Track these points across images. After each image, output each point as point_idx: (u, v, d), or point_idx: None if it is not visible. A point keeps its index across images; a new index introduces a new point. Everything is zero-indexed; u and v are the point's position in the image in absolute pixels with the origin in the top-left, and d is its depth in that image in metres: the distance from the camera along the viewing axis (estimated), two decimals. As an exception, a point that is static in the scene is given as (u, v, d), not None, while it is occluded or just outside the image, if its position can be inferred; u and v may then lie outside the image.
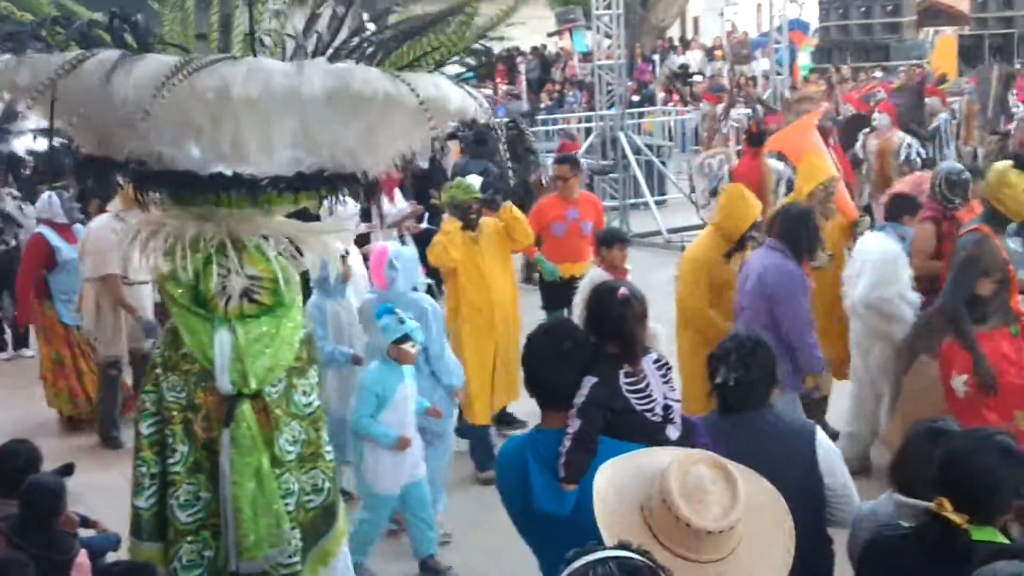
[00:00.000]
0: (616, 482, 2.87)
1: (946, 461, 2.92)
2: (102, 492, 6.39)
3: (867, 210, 9.87)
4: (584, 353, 3.51)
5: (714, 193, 11.09)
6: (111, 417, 7.83)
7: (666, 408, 3.53)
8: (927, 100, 14.25)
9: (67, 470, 5.04)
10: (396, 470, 5.58)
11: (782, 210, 6.20)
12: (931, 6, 26.52)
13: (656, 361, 3.61)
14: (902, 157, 11.05)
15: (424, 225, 10.15)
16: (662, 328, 6.69)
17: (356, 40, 3.86)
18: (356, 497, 5.98)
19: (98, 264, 7.49)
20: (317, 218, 5.14)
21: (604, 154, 15.23)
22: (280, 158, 3.92)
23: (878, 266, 6.44)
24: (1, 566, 4.03)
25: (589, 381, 3.45)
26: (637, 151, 15.42)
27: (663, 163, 16.78)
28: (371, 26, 4.01)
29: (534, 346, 3.55)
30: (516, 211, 7.21)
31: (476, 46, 4.07)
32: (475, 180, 9.54)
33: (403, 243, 9.60)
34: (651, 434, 3.43)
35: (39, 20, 3.85)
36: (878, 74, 21.03)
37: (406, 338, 5.51)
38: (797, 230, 5.92)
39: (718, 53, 27.34)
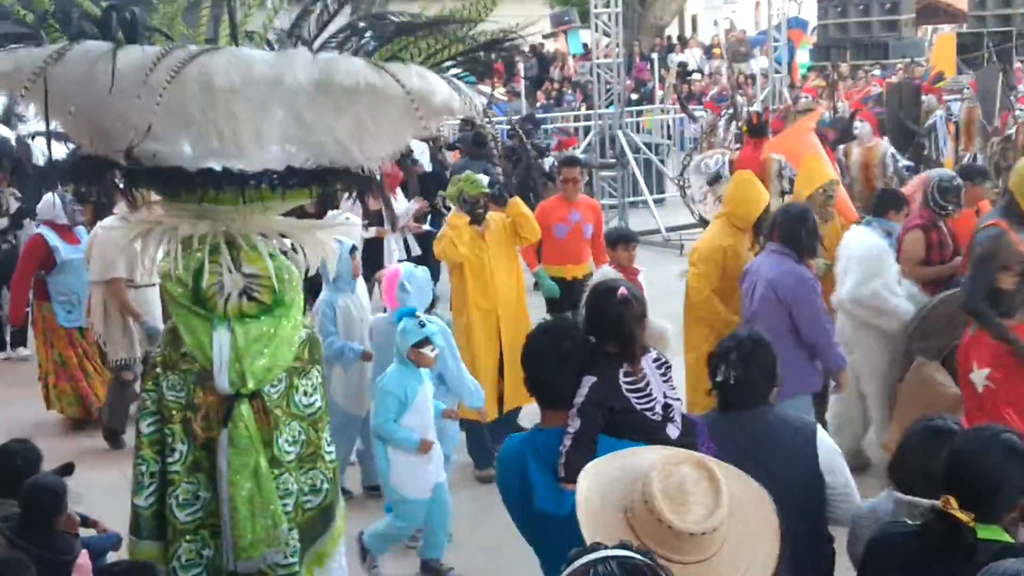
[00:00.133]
0: (600, 483, 2.87)
1: (952, 459, 2.91)
2: (102, 491, 6.38)
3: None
4: (583, 353, 3.51)
5: (712, 182, 11.06)
6: (120, 419, 7.80)
7: (666, 407, 3.53)
8: (923, 98, 14.25)
9: (67, 470, 5.05)
10: (424, 473, 5.57)
11: (780, 212, 6.17)
12: (929, 4, 26.50)
13: (656, 360, 3.61)
14: (890, 168, 11.04)
15: (426, 227, 10.16)
16: (671, 326, 6.72)
17: (344, 34, 3.85)
18: (380, 495, 5.94)
19: (104, 267, 7.44)
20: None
21: (603, 153, 15.24)
22: (271, 153, 3.90)
23: (863, 261, 6.46)
24: (1, 566, 4.03)
25: (588, 380, 3.45)
26: (636, 150, 15.43)
27: (662, 161, 16.79)
28: (361, 24, 3.99)
29: (533, 346, 3.55)
30: (523, 207, 7.21)
31: (479, 52, 4.08)
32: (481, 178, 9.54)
33: (406, 244, 9.64)
34: (651, 433, 3.43)
35: (40, 14, 3.84)
36: (876, 72, 21.02)
37: (426, 341, 5.50)
38: (797, 230, 5.92)
39: (716, 51, 27.35)
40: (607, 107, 15.41)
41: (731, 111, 14.32)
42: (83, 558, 4.51)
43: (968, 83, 15.09)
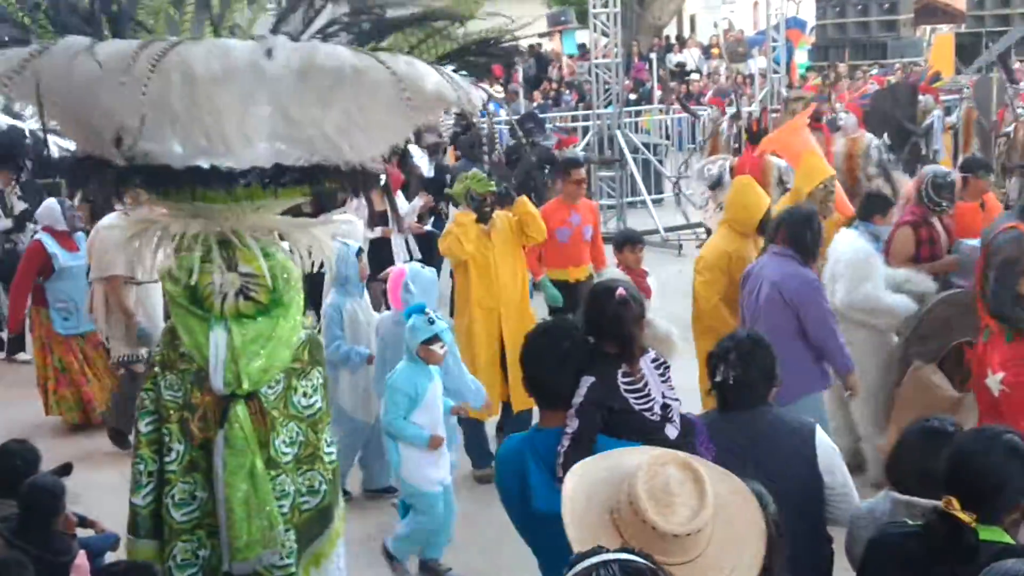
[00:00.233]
0: (586, 483, 2.88)
1: (954, 459, 2.91)
2: (101, 492, 6.39)
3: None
4: (582, 353, 3.51)
5: (713, 187, 11.07)
6: (126, 420, 7.77)
7: (665, 407, 3.53)
8: (920, 98, 14.26)
9: (65, 470, 5.05)
10: (435, 468, 5.58)
11: (785, 214, 6.13)
12: (928, 4, 26.53)
13: (654, 361, 3.62)
14: (873, 159, 11.06)
15: (428, 227, 10.16)
16: (675, 328, 6.72)
17: (330, 28, 3.82)
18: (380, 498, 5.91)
19: (103, 264, 7.38)
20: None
21: (601, 152, 15.25)
22: (260, 150, 3.85)
23: (851, 266, 6.46)
24: (1, 567, 4.04)
25: (587, 381, 3.45)
26: (634, 150, 15.44)
27: (660, 162, 16.80)
28: (347, 19, 3.96)
29: (532, 346, 3.55)
30: (530, 206, 7.20)
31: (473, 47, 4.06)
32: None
33: (407, 245, 9.62)
34: (650, 433, 3.43)
35: (30, 5, 3.84)
36: (875, 71, 21.04)
37: (435, 338, 5.49)
38: (803, 233, 5.88)
39: (715, 51, 27.35)
40: (605, 107, 15.42)
41: (735, 111, 14.33)
42: (81, 558, 4.51)
43: (967, 83, 15.10)
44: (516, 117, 14.56)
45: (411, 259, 9.01)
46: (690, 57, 27.20)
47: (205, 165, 3.81)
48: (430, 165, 11.64)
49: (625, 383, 3.50)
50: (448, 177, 10.58)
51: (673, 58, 26.84)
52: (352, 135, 3.89)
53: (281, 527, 4.17)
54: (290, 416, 4.28)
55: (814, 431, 3.71)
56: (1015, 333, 5.52)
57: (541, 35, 26.71)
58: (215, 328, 4.12)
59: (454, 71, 4.02)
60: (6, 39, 3.76)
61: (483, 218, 6.97)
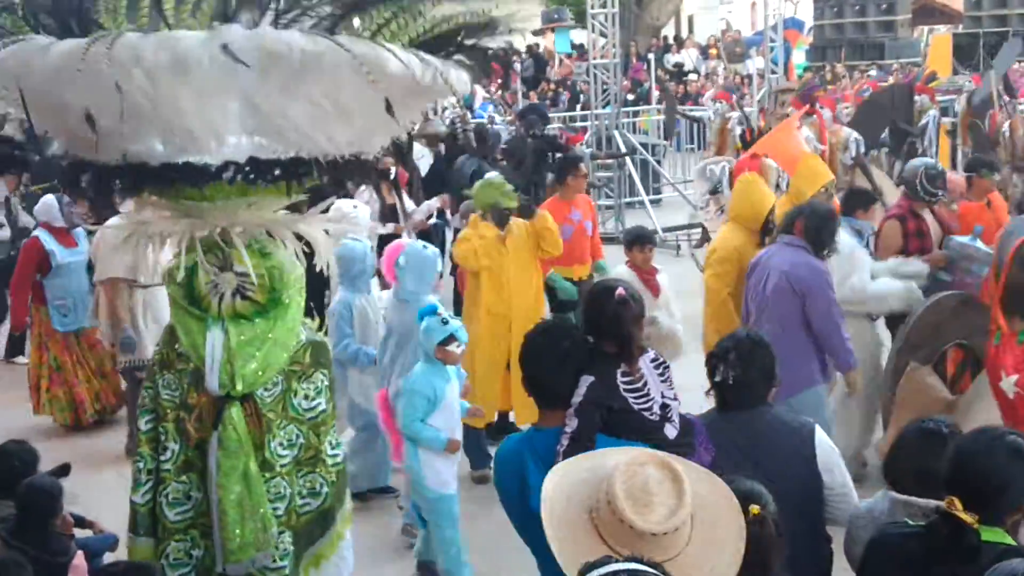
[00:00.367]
0: (567, 483, 2.90)
1: (956, 460, 2.91)
2: (99, 493, 6.39)
3: None
4: (581, 353, 3.51)
5: (713, 192, 11.08)
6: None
7: (664, 407, 3.53)
8: (917, 98, 14.28)
9: (64, 471, 5.04)
10: (451, 471, 5.51)
11: (806, 208, 6.12)
12: (925, 5, 26.57)
13: (654, 360, 3.61)
14: (852, 151, 11.08)
15: (433, 220, 10.16)
16: (681, 327, 6.72)
17: (293, 13, 3.77)
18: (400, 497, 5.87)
19: (103, 268, 7.29)
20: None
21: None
22: (234, 144, 3.84)
23: (836, 261, 6.46)
24: (0, 567, 4.03)
25: (586, 380, 3.45)
26: (632, 150, 15.43)
27: (658, 162, 16.79)
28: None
29: (531, 346, 3.55)
30: (551, 221, 7.09)
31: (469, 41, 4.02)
32: (494, 175, 9.46)
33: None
34: (649, 433, 3.43)
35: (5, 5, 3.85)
36: (872, 72, 21.06)
37: (451, 338, 5.40)
38: (822, 228, 5.88)
39: (712, 52, 27.37)
40: (603, 107, 15.42)
41: (741, 112, 14.34)
42: (79, 559, 4.50)
43: (971, 78, 15.10)
44: (519, 108, 14.58)
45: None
46: (688, 57, 27.22)
47: (179, 161, 3.79)
48: (429, 162, 11.65)
49: (624, 383, 3.49)
50: (451, 173, 10.55)
51: (671, 58, 26.86)
52: (327, 126, 3.84)
53: (275, 529, 4.16)
54: (289, 418, 4.27)
55: (813, 431, 3.70)
56: (1002, 336, 5.52)
57: (535, 32, 26.69)
58: (212, 328, 4.12)
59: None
60: None
61: (500, 224, 6.88)
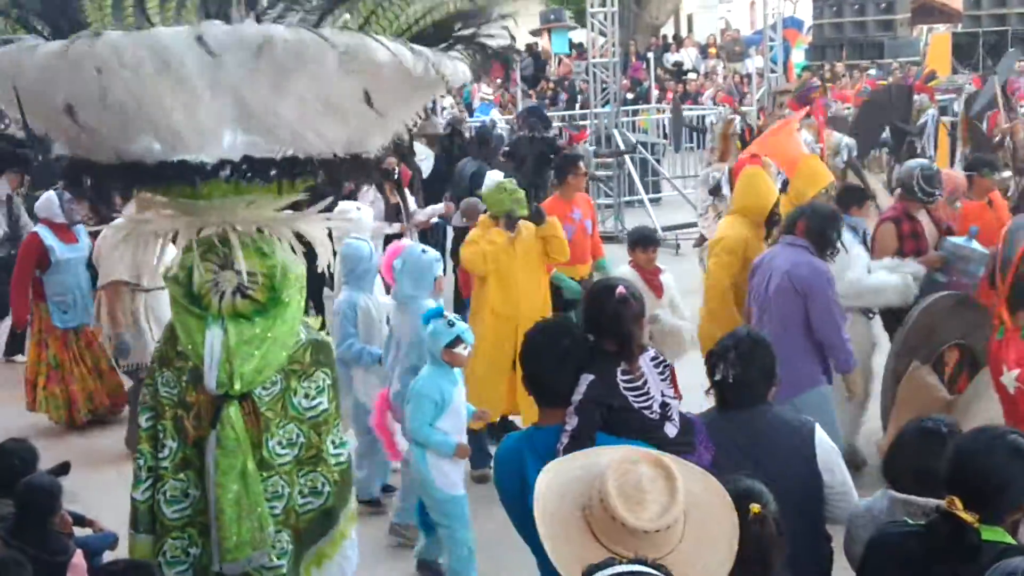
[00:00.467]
0: (560, 480, 2.91)
1: (957, 459, 2.91)
2: (98, 491, 6.38)
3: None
4: (582, 351, 3.51)
5: (713, 193, 11.08)
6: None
7: (664, 406, 3.53)
8: (916, 97, 14.28)
9: (63, 469, 5.04)
10: (458, 472, 5.45)
11: (808, 208, 6.13)
12: (925, 4, 26.53)
13: (654, 359, 3.61)
14: (843, 156, 11.08)
15: (434, 219, 10.16)
16: (689, 324, 6.71)
17: (280, 7, 3.74)
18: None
19: (106, 271, 7.20)
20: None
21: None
22: (228, 141, 3.83)
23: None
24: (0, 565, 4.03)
25: (586, 379, 3.45)
26: (634, 148, 15.44)
27: (657, 161, 16.80)
28: None
29: (532, 344, 3.55)
30: (559, 229, 7.06)
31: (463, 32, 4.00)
32: (497, 176, 9.44)
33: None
34: (649, 432, 3.43)
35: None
36: (872, 71, 21.05)
37: (458, 340, 5.35)
38: (826, 229, 5.89)
39: (712, 51, 27.37)
40: (603, 106, 15.42)
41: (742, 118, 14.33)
42: (78, 558, 4.50)
43: (971, 79, 15.11)
44: (520, 111, 14.58)
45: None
46: (687, 57, 27.21)
47: (173, 160, 3.79)
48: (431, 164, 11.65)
49: (624, 381, 3.49)
50: (459, 175, 10.52)
51: (670, 57, 26.85)
52: (317, 123, 3.82)
53: (272, 528, 4.16)
54: (289, 417, 4.26)
55: (813, 430, 3.70)
56: (1005, 331, 5.52)
57: (533, 32, 26.67)
58: (212, 327, 4.12)
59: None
60: None
61: (510, 227, 6.84)
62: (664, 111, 19.61)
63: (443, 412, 5.35)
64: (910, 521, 3.06)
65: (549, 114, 17.30)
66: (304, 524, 4.32)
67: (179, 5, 3.71)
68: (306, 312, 4.60)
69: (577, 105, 20.56)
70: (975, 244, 6.74)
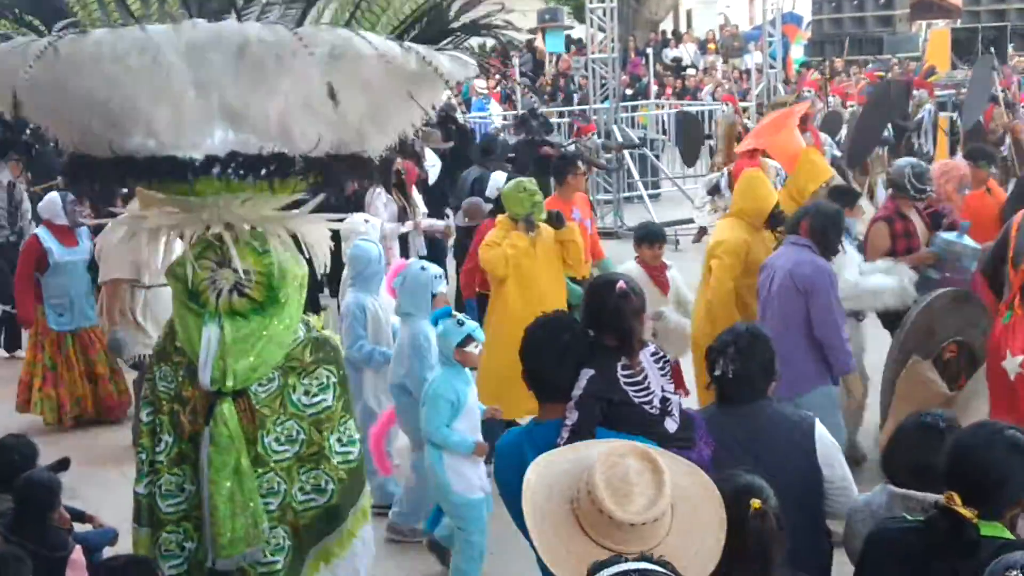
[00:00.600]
0: (549, 474, 2.92)
1: (955, 455, 2.91)
2: (98, 487, 6.39)
3: None
4: (582, 346, 3.51)
5: (711, 192, 11.09)
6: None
7: (664, 401, 3.53)
8: (915, 92, 14.29)
9: (62, 465, 5.04)
10: (477, 473, 5.37)
11: (813, 207, 6.14)
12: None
13: (654, 354, 3.61)
14: (827, 157, 11.08)
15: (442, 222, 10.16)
16: (688, 321, 6.69)
17: (261, 3, 3.74)
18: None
19: (107, 268, 7.20)
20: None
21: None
22: (222, 139, 3.82)
23: None
24: (0, 562, 4.03)
25: (586, 374, 3.45)
26: (638, 142, 15.44)
27: (656, 156, 16.80)
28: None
29: (532, 339, 3.55)
30: (578, 235, 7.04)
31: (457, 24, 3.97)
32: (501, 177, 9.42)
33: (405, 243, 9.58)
34: (649, 426, 3.43)
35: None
36: (871, 65, 21.07)
37: (469, 339, 5.32)
38: (828, 228, 5.90)
39: (711, 47, 27.35)
40: (602, 102, 15.41)
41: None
42: (77, 554, 4.51)
43: (968, 74, 15.11)
44: (519, 116, 14.57)
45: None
46: (686, 52, 27.19)
47: (161, 155, 3.78)
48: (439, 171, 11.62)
49: (625, 376, 3.50)
50: (470, 181, 10.51)
51: (669, 53, 26.83)
52: (301, 122, 3.80)
53: (266, 525, 4.15)
54: (288, 414, 4.25)
55: (813, 425, 3.70)
56: (1012, 316, 5.51)
57: (530, 31, 26.64)
58: (208, 324, 4.11)
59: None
60: None
61: (530, 228, 6.79)
62: (663, 107, 19.60)
63: (459, 412, 5.31)
64: (908, 517, 3.06)
65: (548, 110, 17.33)
66: (305, 521, 4.31)
67: (160, 2, 3.71)
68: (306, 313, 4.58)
69: (575, 101, 20.54)
70: (967, 239, 6.75)
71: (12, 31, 3.78)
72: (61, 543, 4.54)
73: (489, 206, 8.83)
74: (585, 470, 2.81)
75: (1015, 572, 2.41)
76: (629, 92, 21.11)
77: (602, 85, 15.45)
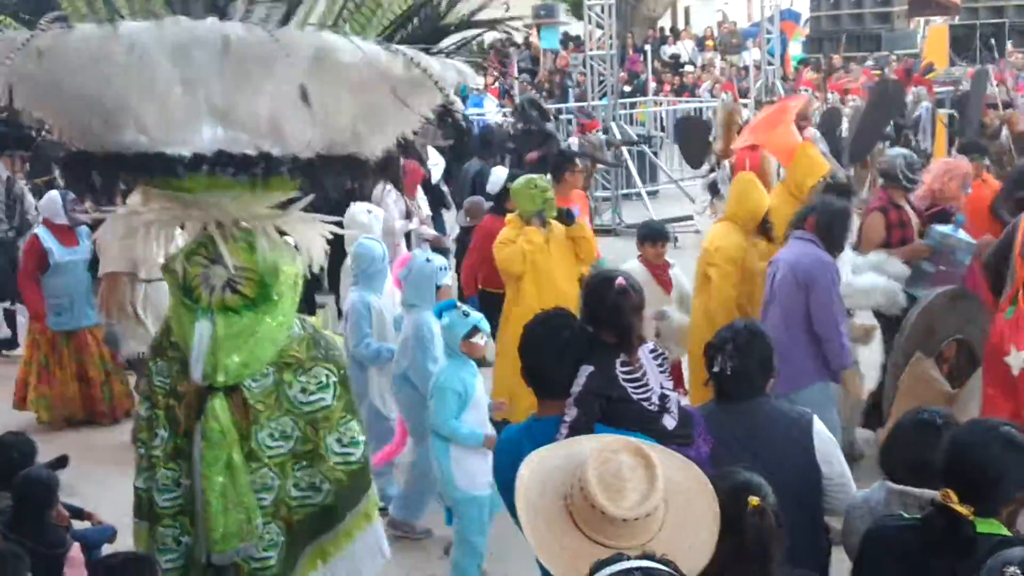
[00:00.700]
0: (542, 470, 2.92)
1: (951, 452, 2.92)
2: (97, 485, 6.39)
3: None
4: (581, 342, 3.51)
5: (711, 191, 11.09)
6: None
7: (662, 397, 3.53)
8: (914, 89, 14.27)
9: (61, 463, 5.04)
10: (484, 469, 5.22)
11: (819, 204, 6.15)
12: (922, -5, 26.52)
13: (652, 351, 3.62)
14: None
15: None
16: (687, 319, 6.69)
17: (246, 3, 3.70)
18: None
19: (106, 262, 7.18)
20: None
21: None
22: (211, 136, 3.80)
23: None
24: (-1, 558, 4.04)
25: (585, 370, 3.46)
26: (640, 139, 15.44)
27: (655, 153, 16.79)
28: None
29: (531, 336, 3.55)
30: (589, 231, 7.03)
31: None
32: (502, 172, 9.39)
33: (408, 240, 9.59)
34: (648, 423, 3.43)
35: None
36: (869, 63, 21.05)
37: (475, 330, 5.32)
38: (834, 224, 5.91)
39: (709, 43, 27.34)
40: (600, 99, 15.40)
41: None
42: (75, 551, 4.51)
43: (968, 74, 15.11)
44: (520, 99, 14.53)
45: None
46: (684, 49, 27.19)
47: (151, 152, 3.77)
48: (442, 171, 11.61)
49: (623, 372, 3.50)
50: (471, 176, 10.50)
51: (667, 50, 26.83)
52: (290, 121, 3.78)
53: (259, 520, 4.14)
54: (284, 410, 4.23)
55: (811, 421, 3.70)
56: (1015, 310, 5.51)
57: (527, 26, 26.58)
58: (201, 319, 4.11)
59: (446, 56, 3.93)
60: None
61: (542, 224, 6.76)
62: (661, 104, 19.59)
63: (467, 404, 5.30)
64: (906, 514, 3.07)
65: (547, 107, 17.32)
66: (299, 517, 4.29)
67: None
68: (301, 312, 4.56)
69: (572, 98, 20.52)
70: (961, 233, 6.75)
71: (5, 26, 3.78)
72: (59, 540, 4.54)
73: (489, 203, 8.82)
74: (578, 466, 2.81)
75: (1012, 568, 2.41)
76: (627, 89, 21.12)
77: (600, 82, 15.45)
